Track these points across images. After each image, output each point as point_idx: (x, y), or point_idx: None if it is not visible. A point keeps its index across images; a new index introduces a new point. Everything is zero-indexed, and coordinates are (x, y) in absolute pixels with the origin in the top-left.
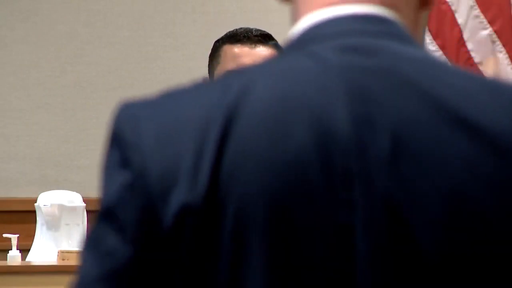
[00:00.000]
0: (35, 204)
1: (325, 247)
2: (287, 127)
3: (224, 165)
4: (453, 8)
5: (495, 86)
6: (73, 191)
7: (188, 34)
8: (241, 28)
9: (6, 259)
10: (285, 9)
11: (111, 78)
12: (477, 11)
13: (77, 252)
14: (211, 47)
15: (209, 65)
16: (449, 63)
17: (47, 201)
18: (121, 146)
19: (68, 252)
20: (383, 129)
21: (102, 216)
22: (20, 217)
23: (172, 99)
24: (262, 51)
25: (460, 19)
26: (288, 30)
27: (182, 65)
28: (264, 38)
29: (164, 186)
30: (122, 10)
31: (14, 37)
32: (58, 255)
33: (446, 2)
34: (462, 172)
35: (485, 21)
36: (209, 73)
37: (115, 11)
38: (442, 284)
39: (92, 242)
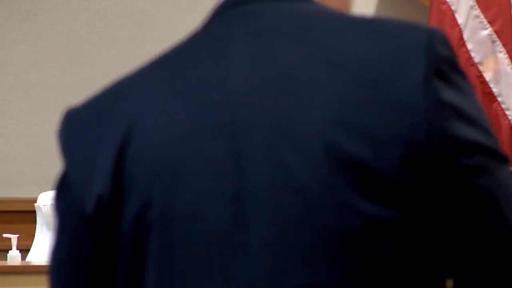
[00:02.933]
0: (35, 204)
1: (215, 195)
2: (178, 113)
3: (127, 161)
4: (453, 8)
5: (369, 26)
6: None
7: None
8: None
9: (6, 259)
10: None
11: (111, 78)
12: (477, 11)
13: None
14: None
15: None
16: (331, 13)
17: (47, 201)
18: (60, 151)
19: None
20: (267, 77)
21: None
22: (20, 217)
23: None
24: None
25: (460, 19)
26: None
27: None
28: None
29: (83, 181)
30: (122, 10)
31: (14, 37)
32: None
33: (446, 2)
34: (335, 105)
35: (485, 21)
36: None
37: (115, 11)
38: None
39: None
